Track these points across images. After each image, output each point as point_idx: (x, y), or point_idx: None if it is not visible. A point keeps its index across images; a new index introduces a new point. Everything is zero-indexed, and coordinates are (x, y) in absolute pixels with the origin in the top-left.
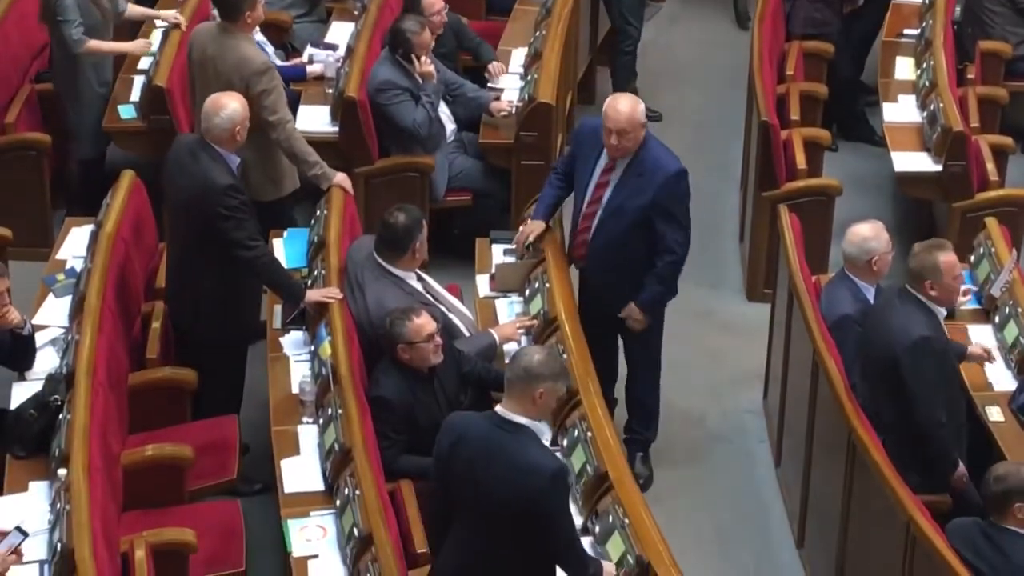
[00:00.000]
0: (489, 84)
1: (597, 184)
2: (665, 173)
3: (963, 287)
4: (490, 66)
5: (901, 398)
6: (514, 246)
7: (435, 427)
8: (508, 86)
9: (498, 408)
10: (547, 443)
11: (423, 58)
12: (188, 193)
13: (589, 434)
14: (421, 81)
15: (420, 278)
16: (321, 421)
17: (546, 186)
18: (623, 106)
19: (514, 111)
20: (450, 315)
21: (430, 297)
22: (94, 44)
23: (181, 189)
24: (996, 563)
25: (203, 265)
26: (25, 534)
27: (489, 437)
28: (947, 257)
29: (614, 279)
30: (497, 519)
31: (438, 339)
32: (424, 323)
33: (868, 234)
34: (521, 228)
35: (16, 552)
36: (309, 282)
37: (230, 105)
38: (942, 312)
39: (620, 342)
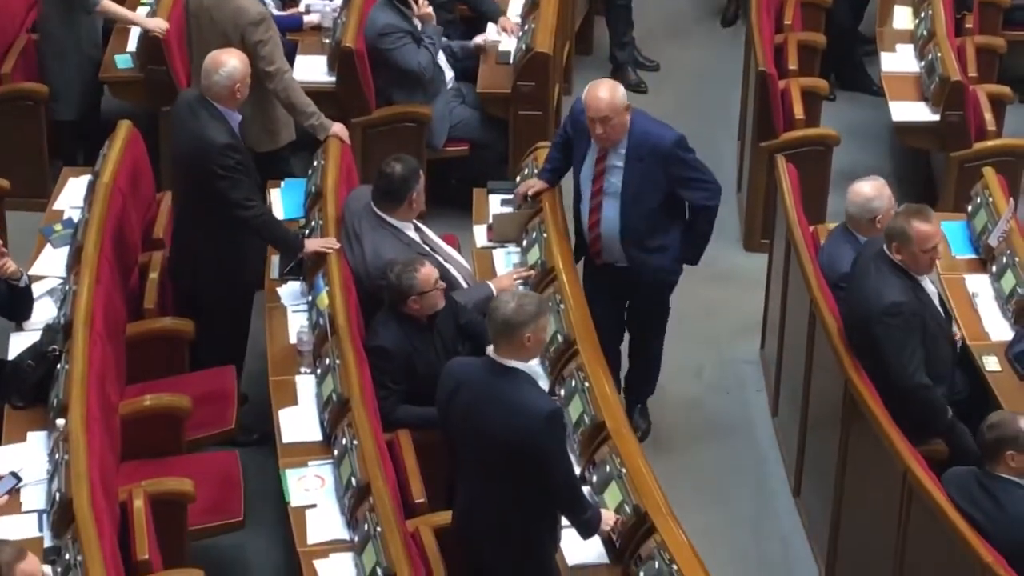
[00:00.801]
0: (486, 38)
1: (595, 175)
2: (664, 147)
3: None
4: (502, 20)
5: (880, 362)
6: (512, 196)
7: (433, 377)
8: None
9: (492, 354)
10: (544, 387)
11: (420, 0)
12: (186, 150)
13: (586, 384)
14: (420, 24)
15: (417, 228)
16: (319, 371)
17: (551, 150)
18: (603, 93)
19: (490, 42)
20: (447, 265)
21: (427, 248)
22: (108, 5)
23: (180, 145)
24: (990, 511)
25: (202, 221)
26: (19, 479)
27: (485, 382)
28: (921, 226)
29: (650, 258)
30: (496, 463)
31: (441, 283)
32: (429, 271)
33: (871, 193)
34: (519, 179)
35: (9, 496)
36: (307, 232)
37: (229, 63)
38: (924, 278)
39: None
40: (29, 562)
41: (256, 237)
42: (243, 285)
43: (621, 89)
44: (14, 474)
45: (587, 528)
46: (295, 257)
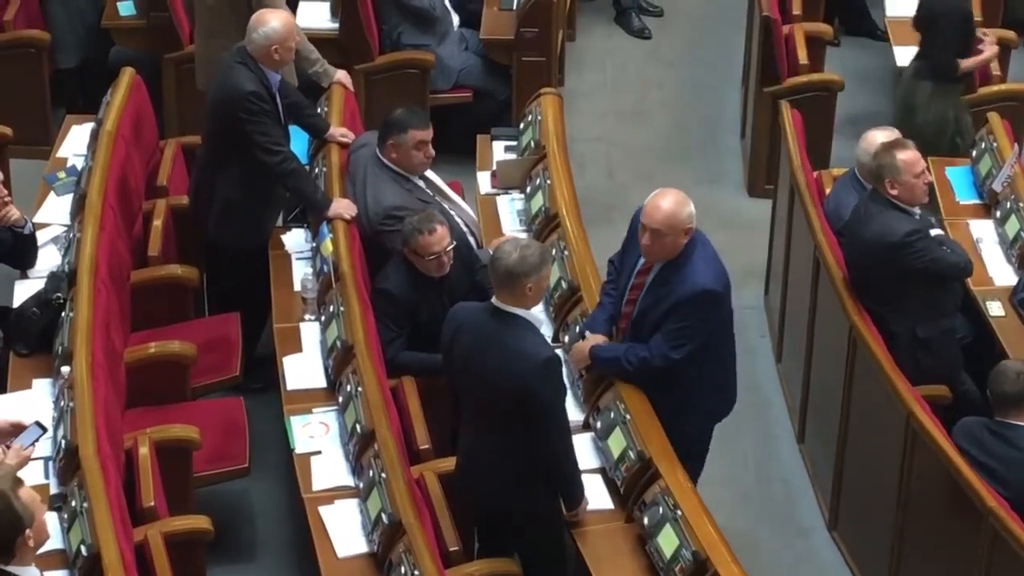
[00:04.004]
0: None
1: (632, 285)
2: (688, 287)
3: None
4: None
5: (900, 294)
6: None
7: (435, 329)
8: None
9: (494, 299)
10: (545, 333)
11: None
12: (215, 95)
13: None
14: None
15: (422, 175)
16: (323, 318)
17: (602, 295)
18: (665, 203)
19: None
20: (451, 212)
21: (430, 193)
22: None
23: (211, 92)
24: (1006, 455)
25: (224, 169)
26: (44, 429)
27: (485, 326)
28: (904, 154)
29: (652, 393)
30: (495, 407)
31: (444, 257)
32: (434, 241)
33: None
34: (522, 125)
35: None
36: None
37: (270, 23)
38: (916, 211)
39: None
40: (27, 489)
41: (281, 186)
42: (254, 240)
43: (689, 208)
44: (39, 424)
45: (571, 496)
46: (317, 215)
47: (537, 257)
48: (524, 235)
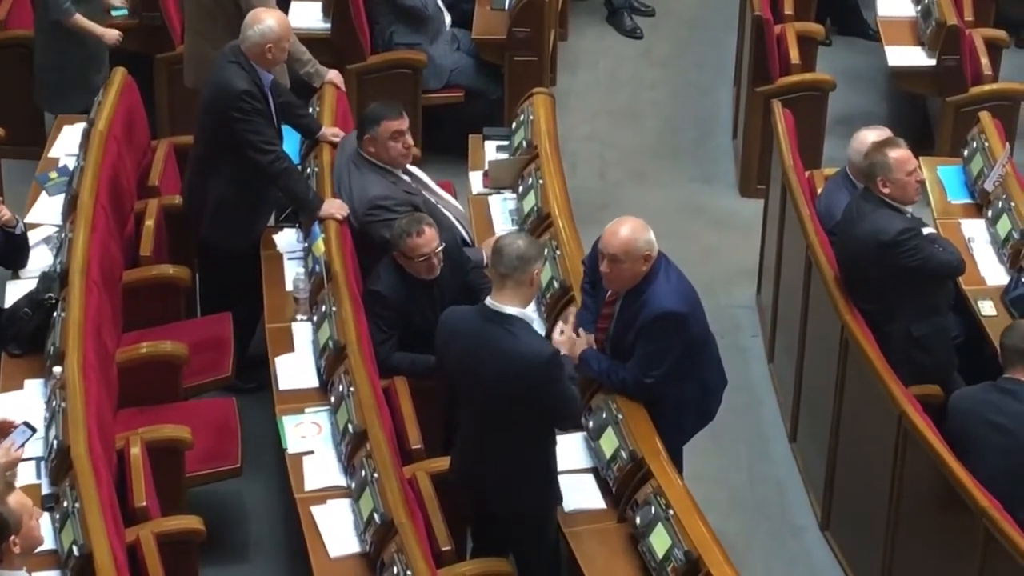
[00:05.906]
0: None
1: (601, 315)
2: (648, 311)
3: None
4: None
5: (916, 276)
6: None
7: (428, 331)
8: None
9: (488, 300)
10: (540, 330)
11: None
12: (208, 94)
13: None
14: None
15: (406, 170)
16: (315, 318)
17: (583, 295)
18: (623, 230)
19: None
20: (438, 206)
21: (415, 187)
22: (81, 20)
23: (204, 91)
24: (1017, 412)
25: (218, 169)
26: (34, 429)
27: (480, 329)
28: (896, 152)
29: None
30: (494, 411)
31: (434, 259)
32: (422, 243)
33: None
34: (514, 125)
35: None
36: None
37: (265, 22)
38: (908, 210)
39: None
40: (18, 494)
41: (273, 185)
42: (245, 241)
43: (648, 235)
44: (28, 424)
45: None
46: (309, 215)
47: (537, 243)
48: None
